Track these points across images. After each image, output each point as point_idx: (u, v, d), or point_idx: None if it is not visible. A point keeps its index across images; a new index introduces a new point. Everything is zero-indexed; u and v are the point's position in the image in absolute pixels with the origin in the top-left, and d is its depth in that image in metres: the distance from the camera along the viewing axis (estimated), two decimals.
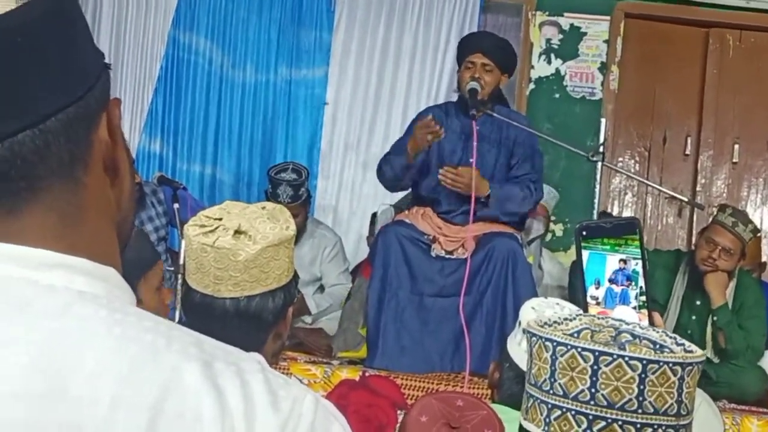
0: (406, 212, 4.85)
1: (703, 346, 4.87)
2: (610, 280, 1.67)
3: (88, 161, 0.87)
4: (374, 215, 6.16)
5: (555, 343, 1.20)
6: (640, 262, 1.67)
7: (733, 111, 6.83)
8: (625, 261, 1.67)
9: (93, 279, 0.85)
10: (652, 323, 1.63)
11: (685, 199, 4.91)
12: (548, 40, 6.87)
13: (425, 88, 6.80)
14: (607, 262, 1.68)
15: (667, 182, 6.82)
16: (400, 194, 5.19)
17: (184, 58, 6.79)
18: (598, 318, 1.28)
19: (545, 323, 1.26)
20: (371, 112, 6.85)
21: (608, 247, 1.68)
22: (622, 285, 1.67)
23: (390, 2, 6.84)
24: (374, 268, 4.53)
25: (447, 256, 4.59)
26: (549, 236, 6.32)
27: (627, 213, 6.89)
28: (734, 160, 6.84)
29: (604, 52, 6.83)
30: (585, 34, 6.84)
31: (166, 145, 6.76)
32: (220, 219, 2.04)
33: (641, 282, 1.66)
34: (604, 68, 6.81)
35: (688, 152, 6.87)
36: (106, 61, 0.92)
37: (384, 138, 6.76)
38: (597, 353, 1.18)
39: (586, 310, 1.65)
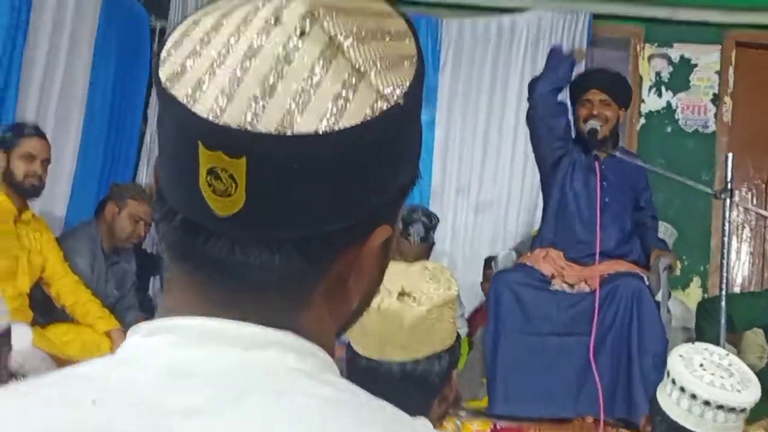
0: (529, 254, 4.76)
1: None
2: None
3: (321, 278, 0.85)
4: (488, 260, 6.12)
5: None
6: None
7: None
8: None
9: (302, 355, 0.82)
10: None
11: None
12: (658, 73, 6.77)
13: None
14: None
15: None
16: (520, 237, 5.13)
17: None
18: None
19: None
20: (480, 154, 6.80)
21: None
22: None
23: (496, 41, 6.81)
24: (489, 317, 4.47)
25: (568, 291, 4.50)
26: None
27: (745, 248, 6.73)
28: None
29: (716, 83, 6.70)
30: (695, 65, 6.73)
31: None
32: None
33: None
34: (716, 100, 6.68)
35: None
36: None
37: (494, 181, 6.71)
38: None
39: None
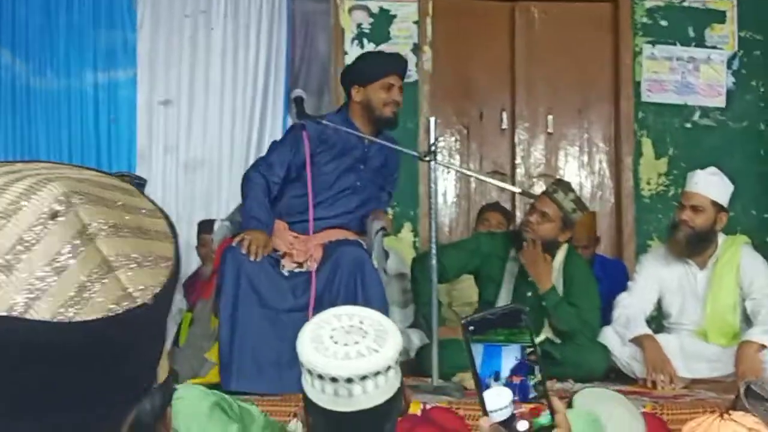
0: None
1: (541, 325, 4.97)
2: (509, 372, 1.66)
3: None
4: (202, 223, 6.05)
5: None
6: (533, 349, 1.67)
7: (544, 82, 6.98)
8: (521, 351, 1.66)
9: None
10: (552, 409, 1.63)
11: (518, 190, 4.93)
12: (359, 25, 6.84)
13: (240, 83, 6.68)
14: (502, 354, 1.67)
15: (488, 157, 6.96)
16: (233, 207, 5.07)
17: None
18: None
19: None
20: (187, 111, 6.67)
21: (501, 337, 1.67)
22: (520, 376, 1.66)
23: None
24: (223, 294, 4.36)
25: (297, 271, 4.47)
26: None
27: (451, 192, 6.96)
28: (549, 131, 7.00)
29: (416, 33, 6.84)
30: (395, 16, 6.85)
31: None
32: None
33: (537, 371, 1.66)
34: (417, 50, 6.82)
35: (504, 126, 6.99)
36: None
37: (203, 137, 6.63)
38: None
39: (485, 406, 1.63)
